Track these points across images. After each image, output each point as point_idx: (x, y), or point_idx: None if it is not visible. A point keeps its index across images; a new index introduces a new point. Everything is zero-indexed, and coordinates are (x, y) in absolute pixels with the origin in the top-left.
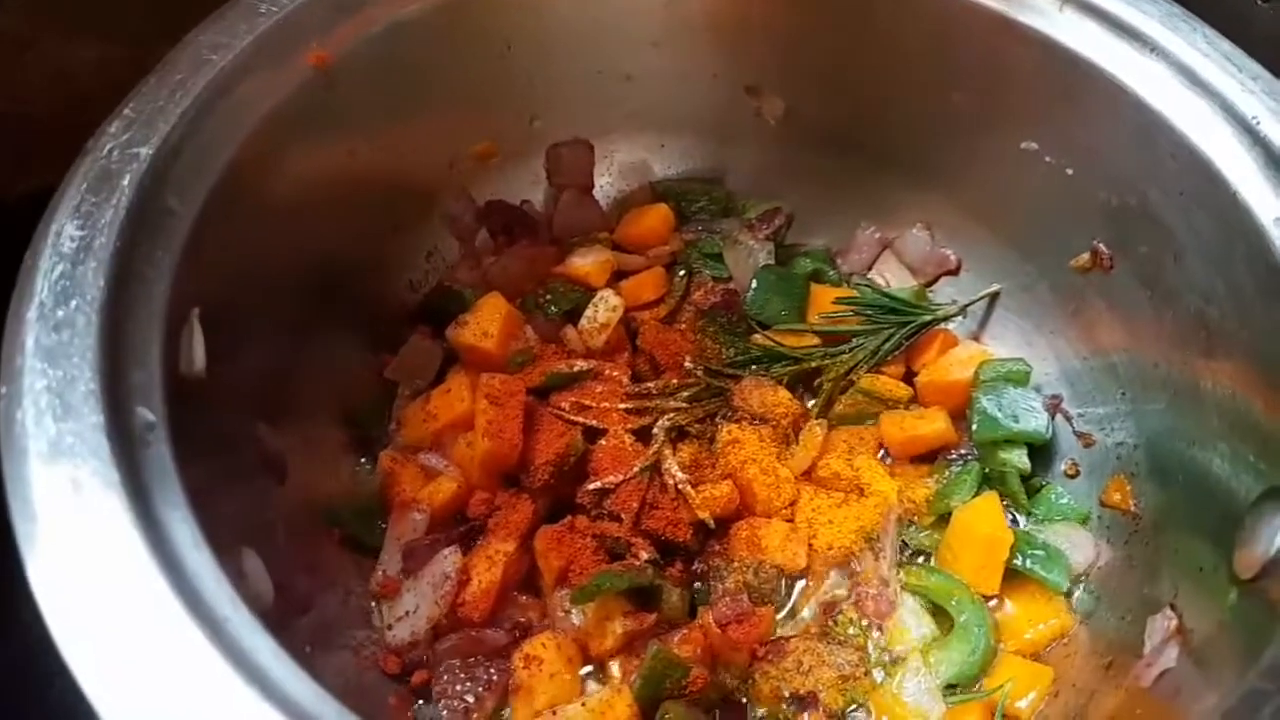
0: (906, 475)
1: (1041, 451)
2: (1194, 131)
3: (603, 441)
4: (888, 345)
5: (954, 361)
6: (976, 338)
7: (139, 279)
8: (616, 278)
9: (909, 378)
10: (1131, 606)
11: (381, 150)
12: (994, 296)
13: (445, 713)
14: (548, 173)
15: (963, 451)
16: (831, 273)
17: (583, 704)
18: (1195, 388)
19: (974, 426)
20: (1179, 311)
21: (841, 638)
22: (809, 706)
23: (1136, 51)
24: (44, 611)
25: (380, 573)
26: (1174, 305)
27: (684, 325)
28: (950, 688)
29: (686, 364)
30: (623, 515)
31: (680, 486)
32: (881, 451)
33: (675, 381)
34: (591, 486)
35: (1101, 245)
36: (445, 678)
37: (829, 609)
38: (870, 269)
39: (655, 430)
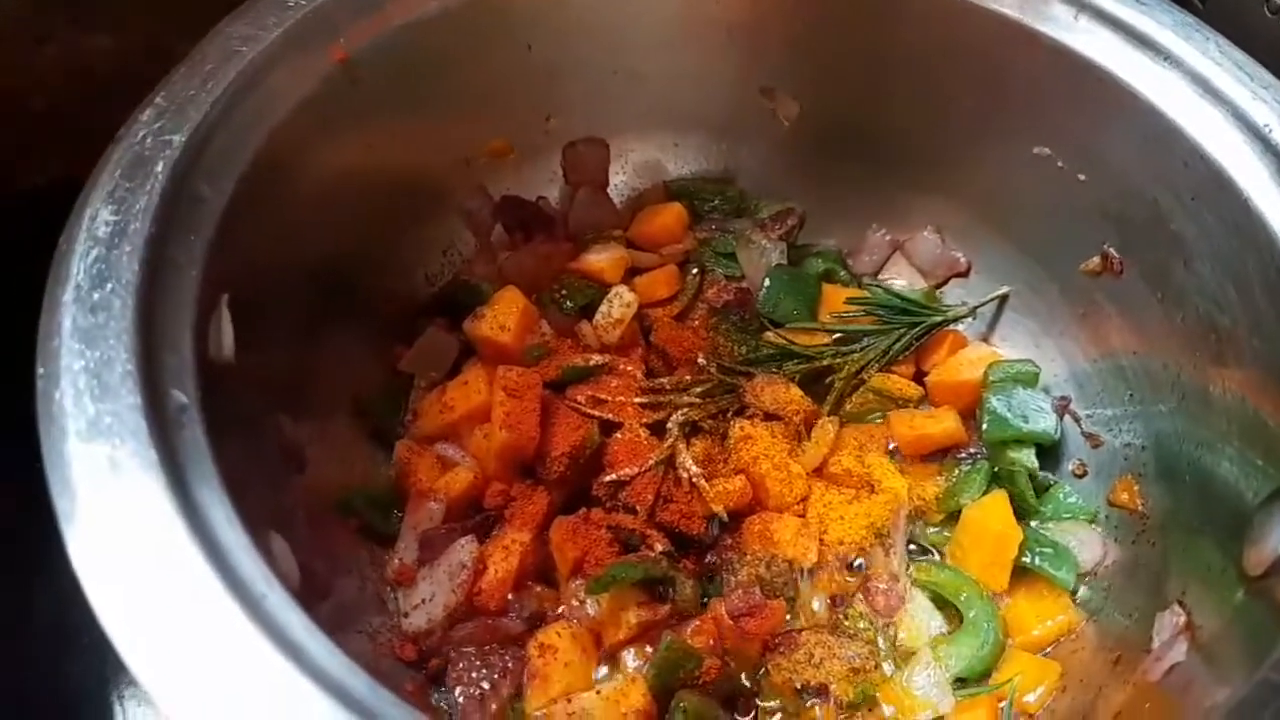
0: (916, 473)
1: (1050, 451)
2: (1206, 139)
3: (618, 435)
4: (898, 345)
5: (964, 362)
6: (986, 339)
7: (171, 264)
8: (631, 275)
9: (919, 377)
10: (1139, 604)
11: (400, 145)
12: (1003, 298)
13: (461, 699)
14: (564, 170)
15: (972, 450)
16: (843, 273)
17: (597, 692)
18: (1204, 391)
19: (984, 426)
20: (1189, 316)
21: (852, 631)
22: (820, 698)
23: (1150, 60)
24: (84, 585)
25: (396, 560)
26: (1184, 310)
27: (697, 322)
28: (959, 681)
29: (700, 360)
30: (637, 508)
31: (694, 480)
32: (892, 449)
33: (689, 377)
34: (607, 479)
35: (1112, 250)
36: (461, 665)
37: (840, 603)
38: (881, 270)
39: (669, 425)
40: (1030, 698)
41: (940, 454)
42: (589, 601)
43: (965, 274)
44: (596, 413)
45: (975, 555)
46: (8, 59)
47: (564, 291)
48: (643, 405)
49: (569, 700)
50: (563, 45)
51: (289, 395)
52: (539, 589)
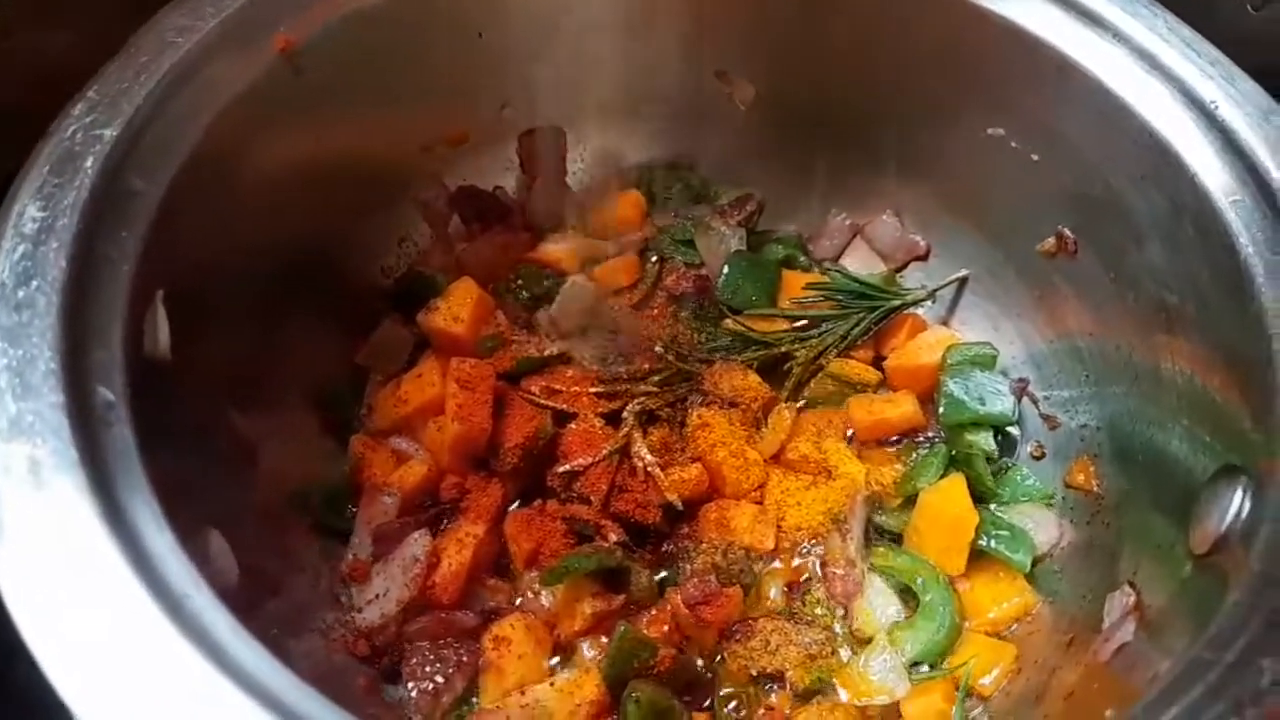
0: (874, 458)
1: (1008, 434)
2: (1154, 116)
3: (572, 425)
4: (857, 330)
5: (922, 346)
6: (945, 322)
7: (102, 260)
8: (589, 263)
9: (878, 362)
10: (1093, 585)
11: (351, 136)
12: (962, 281)
13: (414, 694)
14: (520, 159)
15: (930, 434)
16: (803, 258)
17: (551, 684)
18: (1156, 370)
19: (941, 409)
20: (1141, 295)
21: (809, 617)
22: (776, 685)
23: (1098, 36)
24: (2, 589)
25: (350, 556)
26: (1136, 289)
27: (656, 311)
28: (916, 665)
29: (658, 349)
30: (592, 498)
31: (649, 469)
32: (849, 435)
33: (647, 366)
34: (561, 470)
35: (1066, 230)
36: (414, 660)
37: (796, 589)
38: (841, 255)
39: (625, 414)
40: (986, 680)
41: (899, 438)
42: (544, 593)
43: (925, 257)
44: (551, 403)
45: (932, 539)
46: None
47: (520, 281)
48: (598, 395)
49: (523, 693)
50: (514, 32)
51: (239, 388)
52: (493, 581)
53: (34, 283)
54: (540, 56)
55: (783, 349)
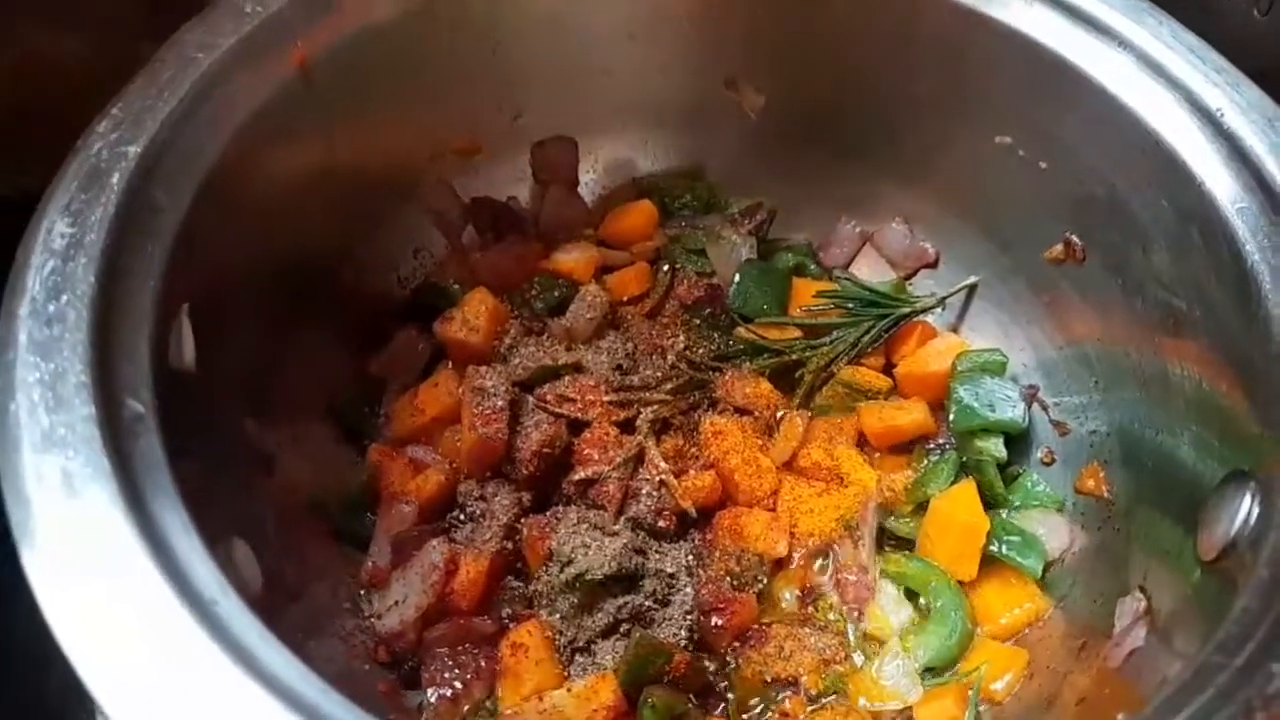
0: (885, 465)
1: (1018, 440)
2: (1160, 123)
3: (587, 433)
4: (867, 337)
5: (932, 353)
6: (955, 329)
7: (128, 274)
8: (602, 273)
9: (888, 369)
10: (1104, 590)
11: (366, 148)
12: (972, 288)
13: (434, 700)
14: (533, 169)
15: (941, 441)
16: (813, 267)
17: (568, 689)
18: (1164, 376)
19: (952, 416)
20: (1148, 301)
21: (822, 623)
22: (790, 690)
23: (1104, 45)
24: (38, 597)
25: (370, 563)
26: (1143, 295)
27: (668, 319)
28: (928, 671)
29: (670, 357)
30: (607, 505)
31: (663, 477)
32: (861, 442)
33: (660, 374)
34: (576, 477)
35: (1074, 237)
36: (434, 665)
37: (809, 595)
38: (851, 263)
39: (639, 422)
40: (998, 685)
41: (909, 445)
42: (561, 599)
43: (934, 265)
44: (566, 411)
45: (943, 545)
46: None
47: (535, 291)
48: (612, 403)
49: (540, 698)
50: (527, 45)
51: (256, 398)
52: (511, 588)
53: (64, 297)
54: (552, 68)
55: (794, 357)
